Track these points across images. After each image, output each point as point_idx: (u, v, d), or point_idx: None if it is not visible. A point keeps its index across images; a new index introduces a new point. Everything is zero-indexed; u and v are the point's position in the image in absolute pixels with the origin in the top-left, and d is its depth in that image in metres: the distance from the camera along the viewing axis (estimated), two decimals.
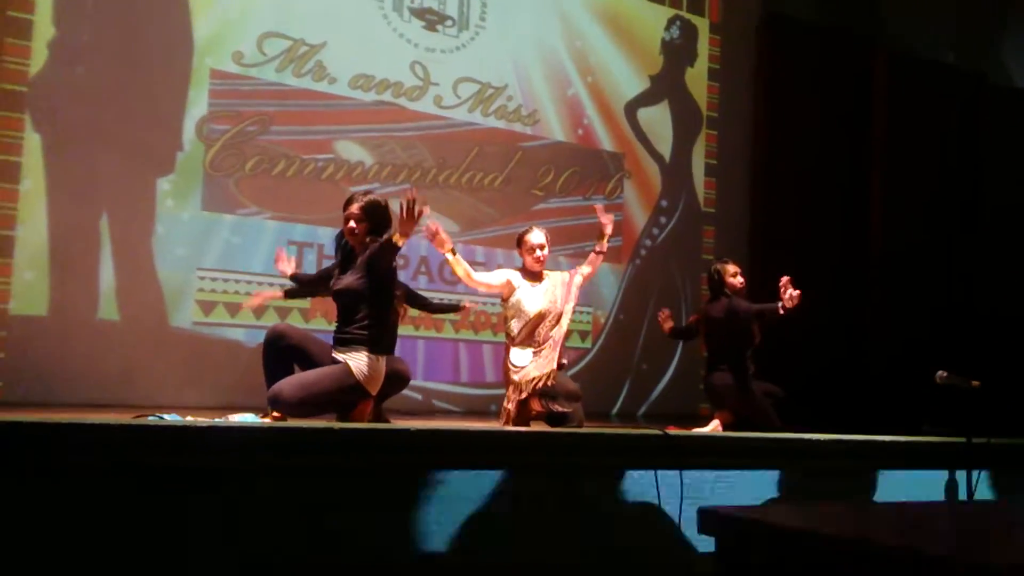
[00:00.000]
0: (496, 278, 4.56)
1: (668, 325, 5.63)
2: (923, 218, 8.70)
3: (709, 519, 1.60)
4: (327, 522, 2.74)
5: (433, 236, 4.24)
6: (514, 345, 4.49)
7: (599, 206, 4.84)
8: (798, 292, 4.91)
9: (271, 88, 6.19)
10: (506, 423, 4.37)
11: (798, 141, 8.19)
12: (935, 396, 4.02)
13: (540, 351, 4.46)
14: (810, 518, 1.63)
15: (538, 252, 4.56)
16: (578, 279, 4.67)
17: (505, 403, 4.44)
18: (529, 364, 4.42)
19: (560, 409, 4.38)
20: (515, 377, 4.41)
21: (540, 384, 4.35)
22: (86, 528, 2.43)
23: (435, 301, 5.55)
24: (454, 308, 5.35)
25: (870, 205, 8.61)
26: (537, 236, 4.60)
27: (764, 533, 1.54)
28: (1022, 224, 8.82)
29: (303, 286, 4.51)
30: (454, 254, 4.32)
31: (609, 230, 4.67)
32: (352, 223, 3.89)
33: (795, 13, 8.44)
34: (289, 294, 4.56)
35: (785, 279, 4.96)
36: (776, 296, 4.97)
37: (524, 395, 4.37)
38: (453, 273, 4.47)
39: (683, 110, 8.11)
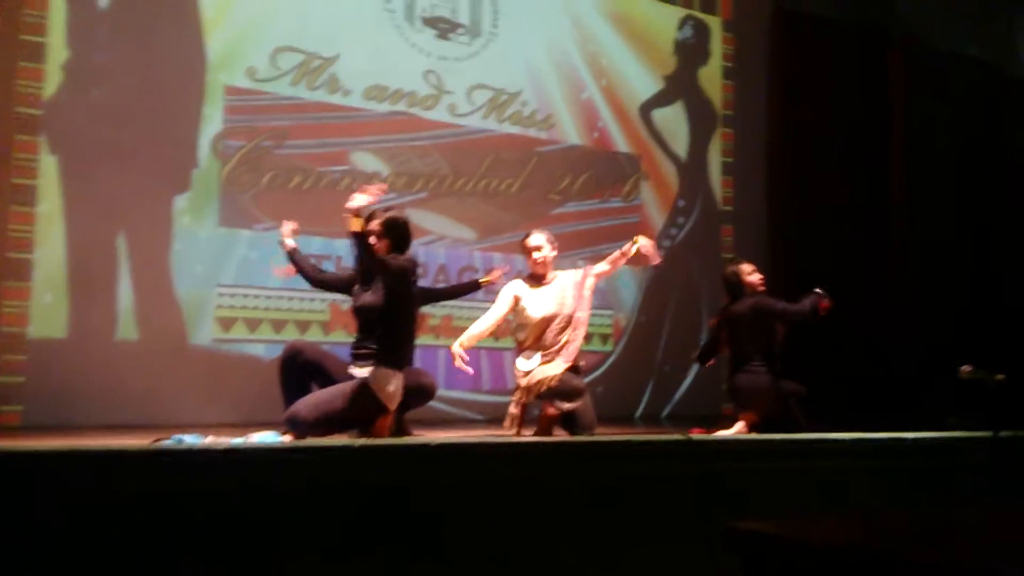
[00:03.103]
0: (503, 306, 4.48)
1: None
2: (945, 213, 8.57)
3: (733, 537, 1.55)
4: (349, 538, 2.73)
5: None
6: (522, 350, 4.46)
7: (647, 248, 4.60)
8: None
9: (285, 102, 6.20)
10: (511, 426, 4.33)
11: (815, 137, 8.11)
12: (960, 391, 3.96)
13: (550, 355, 4.41)
14: (839, 531, 1.58)
15: (535, 255, 4.53)
16: (590, 280, 4.59)
17: (511, 407, 4.40)
18: (535, 368, 4.37)
19: (565, 406, 4.32)
20: (521, 382, 4.37)
21: (545, 386, 4.30)
22: (104, 555, 2.43)
23: (448, 287, 5.53)
24: (474, 286, 5.03)
25: (890, 199, 8.51)
26: (535, 239, 4.57)
27: (790, 551, 1.50)
28: None
29: (316, 278, 4.43)
30: (463, 346, 4.28)
31: (640, 250, 4.54)
32: (372, 239, 3.88)
33: (808, 8, 8.37)
34: (297, 266, 4.44)
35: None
36: (799, 296, 4.91)
37: (530, 398, 4.33)
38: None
39: (698, 109, 8.06)
